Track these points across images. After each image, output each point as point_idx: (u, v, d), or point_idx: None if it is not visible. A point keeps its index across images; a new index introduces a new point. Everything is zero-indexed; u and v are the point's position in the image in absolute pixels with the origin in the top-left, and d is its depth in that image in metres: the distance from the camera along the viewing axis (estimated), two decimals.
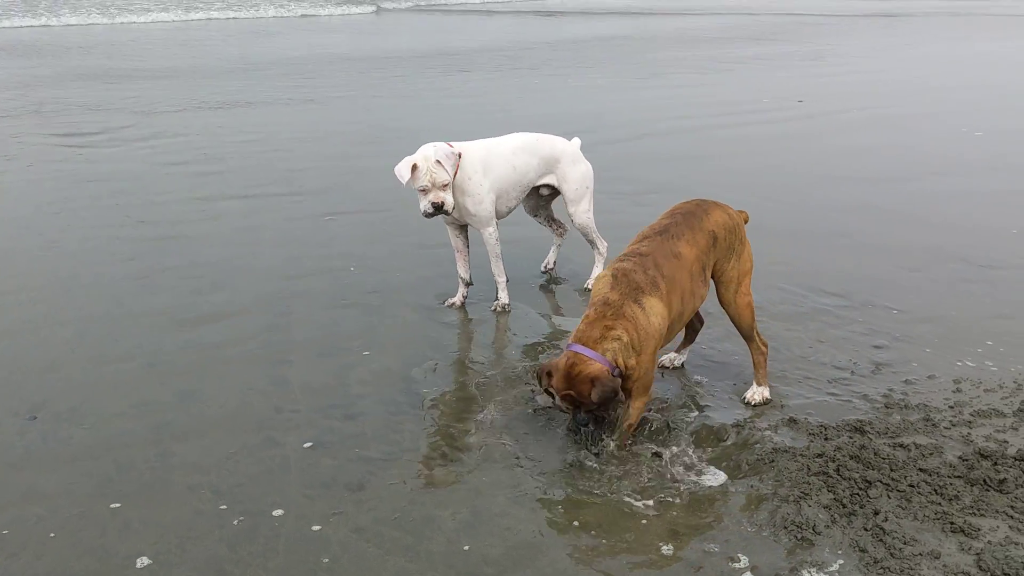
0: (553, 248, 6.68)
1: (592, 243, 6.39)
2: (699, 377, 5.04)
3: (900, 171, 9.52)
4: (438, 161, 5.38)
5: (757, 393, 4.76)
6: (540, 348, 5.42)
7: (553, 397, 4.20)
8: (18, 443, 4.37)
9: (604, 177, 9.11)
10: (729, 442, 4.35)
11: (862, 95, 14.00)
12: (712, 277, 4.58)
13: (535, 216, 6.53)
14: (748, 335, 4.76)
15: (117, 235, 7.45)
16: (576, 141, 6.33)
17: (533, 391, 4.72)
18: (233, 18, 25.06)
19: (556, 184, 6.19)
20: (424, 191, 5.44)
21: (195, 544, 3.64)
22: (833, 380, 4.96)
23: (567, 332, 5.58)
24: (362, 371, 5.15)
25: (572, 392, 4.05)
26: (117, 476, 4.11)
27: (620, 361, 4.06)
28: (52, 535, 3.69)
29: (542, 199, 6.41)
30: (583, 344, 4.06)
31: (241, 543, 3.64)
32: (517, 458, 4.23)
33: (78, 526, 3.75)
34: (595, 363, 4.00)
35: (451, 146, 5.56)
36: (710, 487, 3.99)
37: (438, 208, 5.46)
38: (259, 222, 7.73)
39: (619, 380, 4.07)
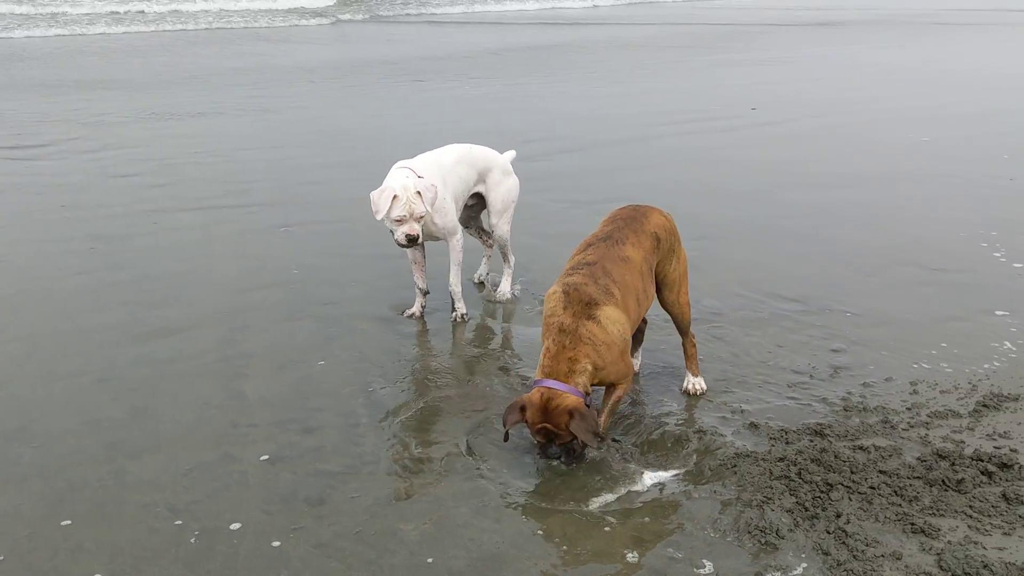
0: (484, 260, 6.65)
1: (505, 256, 6.38)
2: (659, 382, 5.04)
3: (850, 177, 9.66)
4: (418, 192, 5.33)
5: (698, 383, 4.91)
6: (498, 358, 5.39)
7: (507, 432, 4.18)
8: None
9: (560, 187, 9.17)
10: (691, 448, 4.35)
11: (813, 103, 14.21)
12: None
13: (466, 228, 6.50)
14: (687, 331, 4.91)
15: (67, 249, 7.29)
16: (510, 154, 6.33)
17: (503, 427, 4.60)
18: (182, 29, 24.74)
19: (484, 194, 6.17)
20: (400, 221, 5.37)
21: (150, 564, 3.55)
22: (793, 384, 4.99)
23: (525, 342, 5.56)
24: (320, 384, 5.08)
25: (548, 425, 4.02)
26: (69, 496, 3.99)
27: (588, 387, 4.10)
28: (1, 558, 3.57)
29: (470, 210, 6.38)
30: (553, 378, 4.05)
31: (198, 561, 3.56)
32: (479, 469, 4.19)
33: (28, 548, 3.63)
34: (570, 396, 3.99)
35: (413, 170, 5.51)
36: (672, 492, 3.98)
37: (412, 240, 5.40)
38: (212, 234, 7.61)
39: (594, 412, 4.06)
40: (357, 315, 6.02)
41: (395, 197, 5.30)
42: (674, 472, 4.16)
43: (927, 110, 13.55)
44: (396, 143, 10.95)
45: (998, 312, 5.94)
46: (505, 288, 6.33)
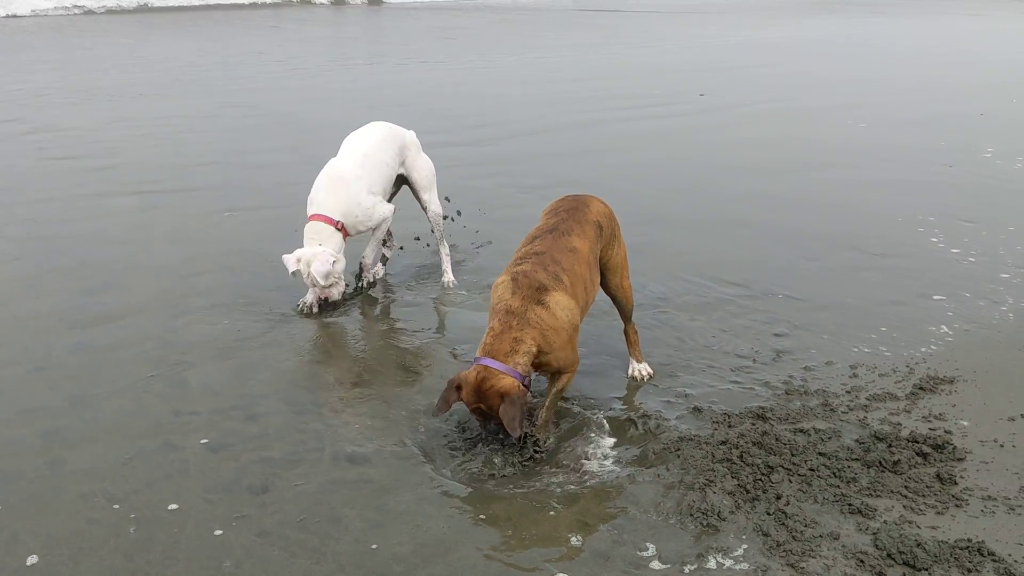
0: (384, 257, 6.53)
1: (441, 239, 6.34)
2: (603, 368, 5.07)
3: (793, 162, 9.80)
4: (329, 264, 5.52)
5: (643, 368, 4.98)
6: (444, 343, 5.38)
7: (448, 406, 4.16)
8: None
9: (510, 171, 9.16)
10: (636, 432, 4.39)
11: (757, 88, 14.36)
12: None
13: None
14: (630, 317, 4.97)
15: (1, 234, 7.09)
16: (414, 134, 6.32)
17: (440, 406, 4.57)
18: (119, 8, 24.10)
19: (405, 173, 6.19)
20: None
21: (89, 555, 3.48)
22: (736, 368, 5.06)
23: (470, 328, 5.55)
24: (263, 371, 5.02)
25: (482, 405, 4.02)
26: (3, 486, 3.90)
27: (529, 369, 4.07)
28: None
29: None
30: (493, 358, 4.03)
31: (138, 552, 3.50)
32: (422, 456, 4.18)
33: None
34: (506, 377, 3.98)
35: (333, 223, 5.64)
36: (616, 476, 4.01)
37: (323, 304, 5.74)
38: (153, 219, 7.47)
39: (528, 394, 4.05)
40: (300, 301, 5.95)
41: (296, 272, 5.57)
42: (617, 456, 4.19)
43: (864, 97, 13.77)
44: (340, 126, 10.84)
45: (935, 296, 6.08)
46: (449, 275, 6.30)
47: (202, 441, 4.27)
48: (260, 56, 16.53)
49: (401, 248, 6.73)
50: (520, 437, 4.11)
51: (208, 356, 5.17)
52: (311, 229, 5.65)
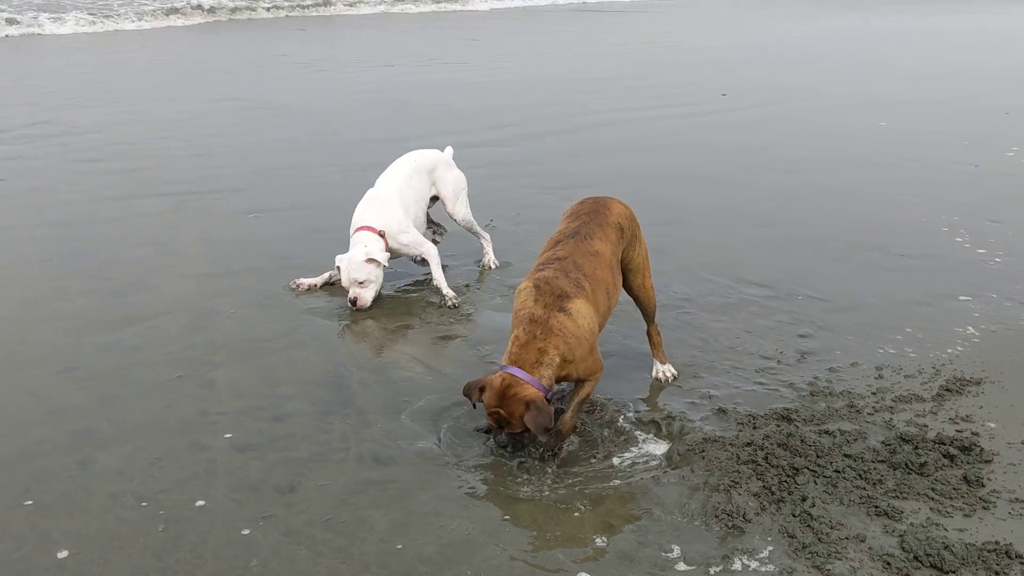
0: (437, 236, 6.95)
1: (477, 235, 6.80)
2: (627, 370, 5.08)
3: (815, 162, 9.74)
4: (368, 260, 5.85)
5: (666, 369, 4.97)
6: (470, 346, 5.39)
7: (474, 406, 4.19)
8: None
9: (531, 172, 9.17)
10: (660, 433, 4.39)
11: (780, 87, 14.28)
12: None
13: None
14: (653, 318, 4.95)
15: (30, 236, 7.18)
16: (449, 150, 6.75)
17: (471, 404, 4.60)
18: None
19: (437, 192, 6.62)
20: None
21: (118, 553, 3.53)
22: (760, 369, 5.05)
23: (496, 330, 5.57)
24: (289, 371, 5.06)
25: (501, 411, 4.02)
26: (35, 485, 3.95)
27: (553, 382, 4.07)
28: None
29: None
30: (519, 367, 4.03)
31: (167, 551, 3.54)
32: (447, 456, 4.21)
33: None
34: (531, 388, 3.98)
35: (374, 231, 6.02)
36: (641, 478, 4.02)
37: (356, 305, 5.87)
38: (179, 220, 7.53)
39: (551, 408, 4.04)
40: (325, 303, 5.99)
41: (339, 268, 5.94)
42: (641, 458, 4.20)
43: (885, 95, 13.66)
44: (367, 128, 10.89)
45: (961, 297, 6.04)
46: (490, 255, 6.71)
47: (229, 442, 4.31)
48: (284, 59, 16.62)
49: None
50: (542, 443, 4.13)
51: (234, 357, 5.22)
52: (356, 239, 6.02)
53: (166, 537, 3.62)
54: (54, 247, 6.93)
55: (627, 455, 4.22)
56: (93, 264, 6.59)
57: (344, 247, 6.02)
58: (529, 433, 4.07)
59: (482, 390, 4.08)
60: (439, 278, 6.13)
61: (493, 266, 6.66)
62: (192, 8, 20.10)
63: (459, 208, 6.61)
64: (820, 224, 7.63)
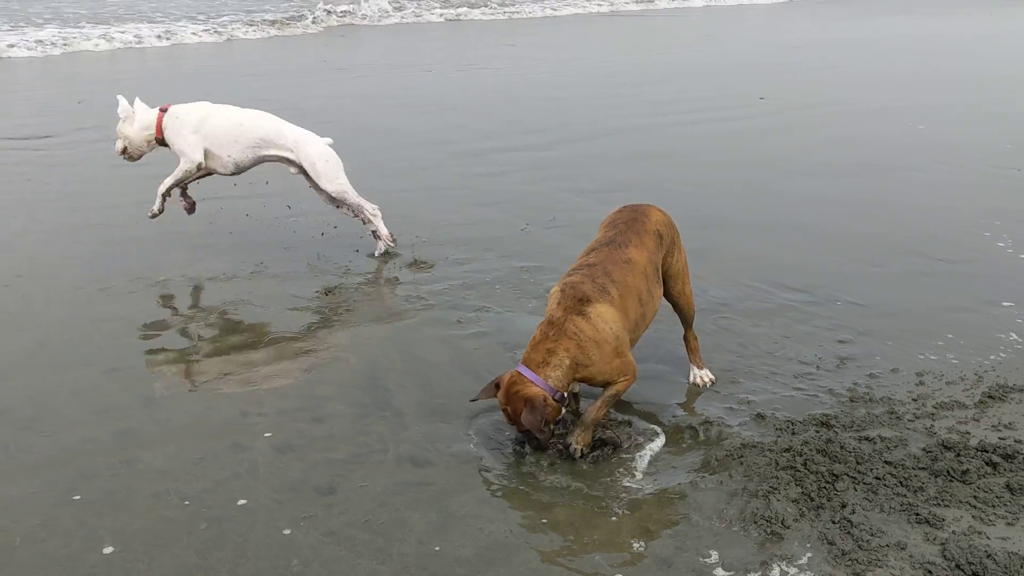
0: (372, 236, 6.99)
1: (358, 211, 6.88)
2: (664, 374, 5.07)
3: (853, 165, 9.65)
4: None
5: (704, 374, 4.96)
6: (507, 349, 5.41)
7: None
8: None
9: (567, 175, 9.17)
10: (698, 438, 4.38)
11: (818, 90, 14.16)
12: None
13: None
14: (691, 323, 4.96)
15: (76, 239, 7.31)
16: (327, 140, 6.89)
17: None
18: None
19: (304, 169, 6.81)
20: None
21: (163, 551, 3.59)
22: (799, 375, 5.02)
23: (526, 329, 5.57)
24: (327, 372, 5.13)
25: (508, 408, 4.10)
26: (81, 484, 4.03)
27: (564, 383, 4.11)
28: (16, 544, 3.62)
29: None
30: (527, 366, 4.11)
31: (210, 550, 3.60)
32: (484, 458, 4.23)
33: (42, 536, 3.68)
34: (533, 386, 4.04)
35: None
36: (679, 483, 4.01)
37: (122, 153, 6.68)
38: (219, 224, 7.63)
39: (555, 406, 4.08)
40: (363, 305, 6.05)
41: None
42: (679, 463, 4.19)
43: (924, 97, 13.49)
44: (400, 132, 10.96)
45: (1004, 303, 5.96)
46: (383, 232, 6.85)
47: (270, 443, 4.37)
48: (324, 65, 16.78)
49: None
50: (542, 444, 4.18)
51: (275, 359, 5.29)
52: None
53: (209, 536, 3.68)
54: (98, 250, 7.05)
55: (663, 459, 4.22)
56: (136, 267, 6.70)
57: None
58: (546, 431, 4.11)
59: (496, 387, 4.18)
60: (162, 185, 6.73)
61: (390, 244, 6.89)
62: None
63: (334, 186, 6.74)
64: (859, 229, 7.56)
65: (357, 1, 22.53)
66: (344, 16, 21.89)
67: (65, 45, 16.96)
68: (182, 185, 6.79)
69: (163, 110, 6.58)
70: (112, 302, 6.09)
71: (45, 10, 20.08)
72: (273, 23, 20.56)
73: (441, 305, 6.09)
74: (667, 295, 4.79)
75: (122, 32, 18.06)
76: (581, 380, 4.21)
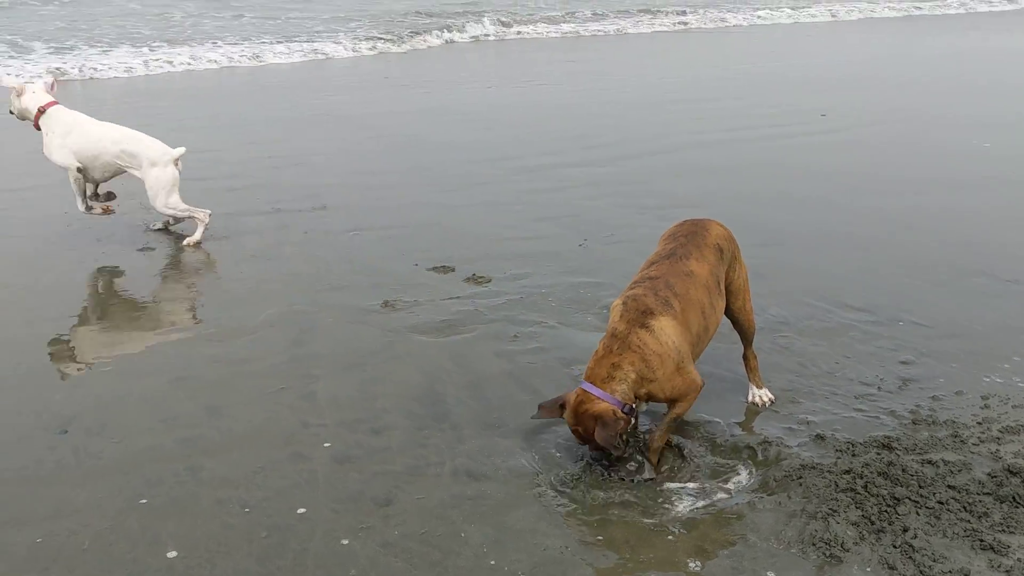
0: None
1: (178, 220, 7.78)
2: (723, 392, 5.04)
3: (918, 183, 9.47)
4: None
5: (763, 394, 4.92)
6: (564, 365, 5.42)
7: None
8: (49, 457, 4.42)
9: (627, 191, 9.16)
10: (757, 458, 4.34)
11: (883, 107, 13.95)
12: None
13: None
14: (751, 341, 4.92)
15: (144, 247, 7.51)
16: (178, 151, 7.62)
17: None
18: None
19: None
20: None
21: (224, 558, 3.68)
22: (860, 396, 4.95)
23: (589, 349, 5.58)
24: (386, 385, 5.19)
25: (579, 428, 4.09)
26: (147, 490, 4.15)
27: (631, 396, 4.08)
28: (84, 548, 3.74)
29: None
30: (591, 382, 4.09)
31: (270, 557, 3.68)
32: (540, 474, 4.25)
33: (109, 540, 3.80)
34: (601, 402, 4.02)
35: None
36: (736, 503, 3.98)
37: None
38: (283, 238, 7.78)
39: (625, 418, 4.05)
40: (421, 318, 6.11)
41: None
42: (737, 484, 4.16)
43: (992, 116, 13.19)
44: (457, 148, 11.06)
45: None
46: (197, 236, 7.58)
47: (329, 453, 4.45)
48: (386, 80, 17.01)
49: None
50: (620, 458, 4.15)
51: (334, 370, 5.37)
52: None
53: (269, 544, 3.76)
54: (166, 260, 7.24)
55: (720, 479, 4.19)
56: (203, 278, 6.87)
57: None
58: (620, 445, 4.09)
59: (562, 407, 4.15)
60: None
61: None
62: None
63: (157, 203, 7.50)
64: (923, 248, 7.42)
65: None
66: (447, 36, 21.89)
67: (190, 63, 17.21)
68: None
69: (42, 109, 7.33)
70: (179, 312, 6.24)
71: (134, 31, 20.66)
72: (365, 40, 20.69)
73: (498, 319, 6.12)
74: (727, 311, 4.77)
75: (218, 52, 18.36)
76: (644, 396, 4.18)
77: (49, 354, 5.62)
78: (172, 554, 3.71)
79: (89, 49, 17.56)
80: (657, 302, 4.17)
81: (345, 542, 3.76)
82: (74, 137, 7.26)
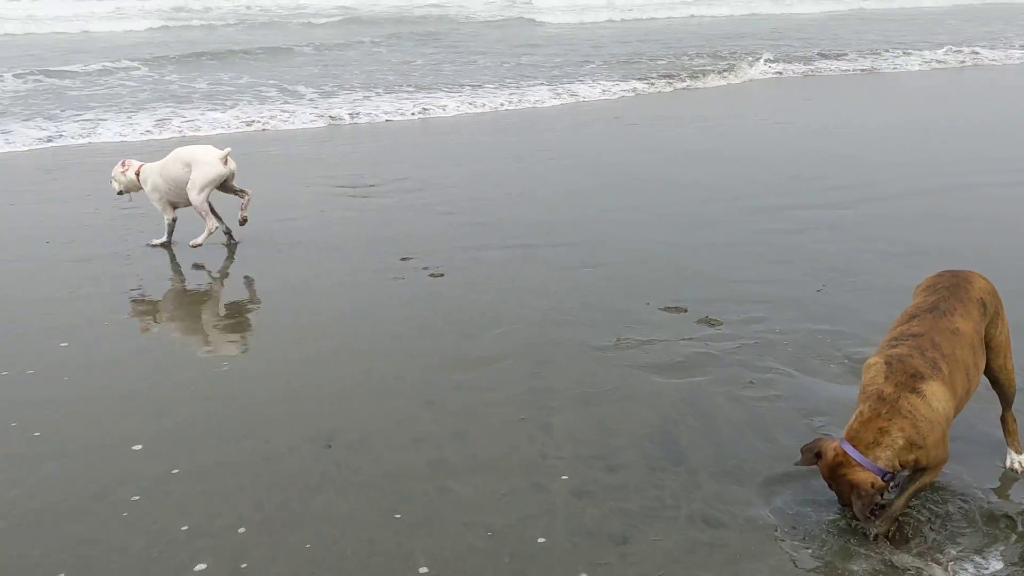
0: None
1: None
2: (977, 456, 4.76)
3: None
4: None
5: (1023, 460, 4.63)
6: (802, 415, 5.31)
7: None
8: (315, 468, 4.85)
9: (869, 236, 8.80)
10: (1016, 529, 4.08)
11: None
12: None
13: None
14: (1011, 401, 4.62)
15: (394, 278, 8.03)
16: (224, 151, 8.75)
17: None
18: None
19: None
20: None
21: None
22: None
23: (832, 400, 5.44)
24: (620, 423, 5.29)
25: (833, 486, 4.03)
26: (400, 506, 4.47)
27: (894, 464, 3.93)
28: (346, 556, 4.09)
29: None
30: (854, 445, 3.96)
31: None
32: (778, 526, 4.20)
33: (368, 551, 4.12)
34: (862, 471, 3.90)
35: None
36: (992, 574, 3.77)
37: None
38: (521, 270, 8.09)
39: (884, 486, 3.94)
40: (653, 358, 6.16)
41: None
42: (993, 553, 3.93)
43: None
44: (678, 185, 11.05)
45: None
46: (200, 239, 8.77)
47: (567, 487, 4.60)
48: (613, 122, 17.28)
49: None
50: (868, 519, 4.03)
51: (571, 404, 5.55)
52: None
53: (512, 570, 3.95)
54: (414, 289, 7.72)
55: (973, 549, 3.97)
56: (448, 307, 7.27)
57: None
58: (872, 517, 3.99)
59: (818, 456, 4.06)
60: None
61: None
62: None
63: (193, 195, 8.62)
64: None
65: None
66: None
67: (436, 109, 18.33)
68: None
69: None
70: (427, 339, 6.64)
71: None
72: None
73: (732, 363, 6.09)
74: (986, 370, 4.51)
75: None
76: (909, 464, 3.99)
77: (317, 370, 6.15)
78: (424, 570, 3.98)
79: (353, 93, 18.85)
80: (925, 364, 4.01)
81: (583, 575, 3.88)
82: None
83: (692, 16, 38.98)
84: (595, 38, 29.45)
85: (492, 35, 30.89)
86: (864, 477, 3.89)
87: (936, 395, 3.96)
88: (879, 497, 3.93)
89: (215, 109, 16.89)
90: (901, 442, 3.91)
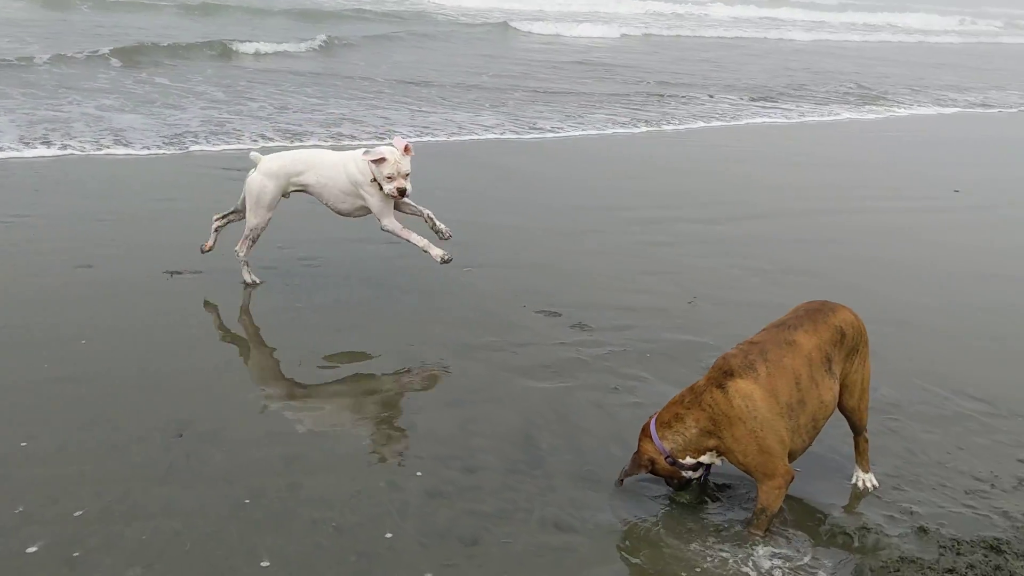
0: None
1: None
2: (823, 470, 4.90)
3: None
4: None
5: (868, 479, 4.78)
6: (644, 413, 5.37)
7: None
8: (163, 458, 4.65)
9: (738, 252, 9.01)
10: (853, 544, 4.21)
11: (1020, 187, 13.40)
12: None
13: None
14: (861, 432, 4.77)
15: (268, 265, 7.79)
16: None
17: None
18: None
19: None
20: (391, 178, 6.65)
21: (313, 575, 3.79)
22: (971, 491, 4.74)
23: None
24: (482, 424, 5.25)
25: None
26: (249, 501, 4.31)
27: (685, 451, 4.21)
28: (186, 549, 3.92)
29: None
30: (657, 424, 4.29)
31: None
32: (626, 525, 4.24)
33: (209, 546, 3.97)
34: (648, 442, 4.29)
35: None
36: None
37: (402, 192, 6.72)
38: (395, 267, 7.97)
39: (668, 468, 4.29)
40: (523, 361, 6.16)
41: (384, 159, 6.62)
42: (830, 569, 4.04)
43: None
44: (585, 199, 11.09)
45: None
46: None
47: (421, 486, 4.53)
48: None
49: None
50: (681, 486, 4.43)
51: (436, 403, 5.49)
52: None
53: (357, 569, 3.86)
54: (286, 280, 7.50)
55: (810, 562, 4.08)
56: (320, 300, 7.07)
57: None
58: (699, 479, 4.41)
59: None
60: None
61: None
62: None
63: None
64: None
65: None
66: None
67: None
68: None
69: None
70: (297, 333, 6.46)
71: None
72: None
73: (600, 369, 6.12)
74: (841, 407, 4.60)
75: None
76: (712, 450, 4.22)
77: (172, 359, 5.90)
78: (265, 563, 3.85)
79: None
80: (741, 364, 4.15)
81: None
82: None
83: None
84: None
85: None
86: (646, 448, 4.29)
87: (741, 392, 4.09)
88: (663, 472, 4.31)
89: None
90: (694, 431, 4.19)
